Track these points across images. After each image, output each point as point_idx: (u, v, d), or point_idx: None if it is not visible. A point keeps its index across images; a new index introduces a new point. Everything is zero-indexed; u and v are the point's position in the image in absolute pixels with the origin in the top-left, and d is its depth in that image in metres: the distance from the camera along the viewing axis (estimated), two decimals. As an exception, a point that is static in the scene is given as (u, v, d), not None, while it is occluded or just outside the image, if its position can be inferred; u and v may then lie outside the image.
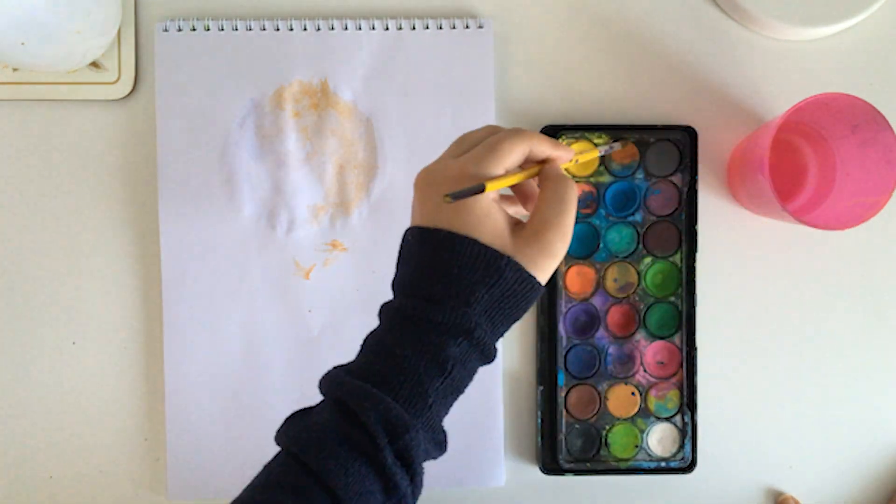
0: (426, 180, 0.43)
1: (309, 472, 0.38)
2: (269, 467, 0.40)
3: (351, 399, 0.39)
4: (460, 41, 0.58)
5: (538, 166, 0.45)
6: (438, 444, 0.42)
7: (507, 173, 0.43)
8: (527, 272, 0.41)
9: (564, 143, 0.58)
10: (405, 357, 0.40)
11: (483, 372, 0.58)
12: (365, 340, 0.42)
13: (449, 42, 0.58)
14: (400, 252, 0.44)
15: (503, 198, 0.46)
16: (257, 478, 0.40)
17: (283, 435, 0.40)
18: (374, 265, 0.58)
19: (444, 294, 0.40)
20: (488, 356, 0.42)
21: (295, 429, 0.40)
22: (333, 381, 0.40)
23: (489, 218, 0.41)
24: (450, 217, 0.41)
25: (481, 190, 0.40)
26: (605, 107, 0.59)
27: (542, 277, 0.42)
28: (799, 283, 0.60)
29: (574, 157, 0.46)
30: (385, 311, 0.42)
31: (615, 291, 0.59)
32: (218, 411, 0.58)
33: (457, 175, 0.42)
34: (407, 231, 0.43)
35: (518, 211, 0.48)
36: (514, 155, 0.42)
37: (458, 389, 0.42)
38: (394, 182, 0.58)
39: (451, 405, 0.42)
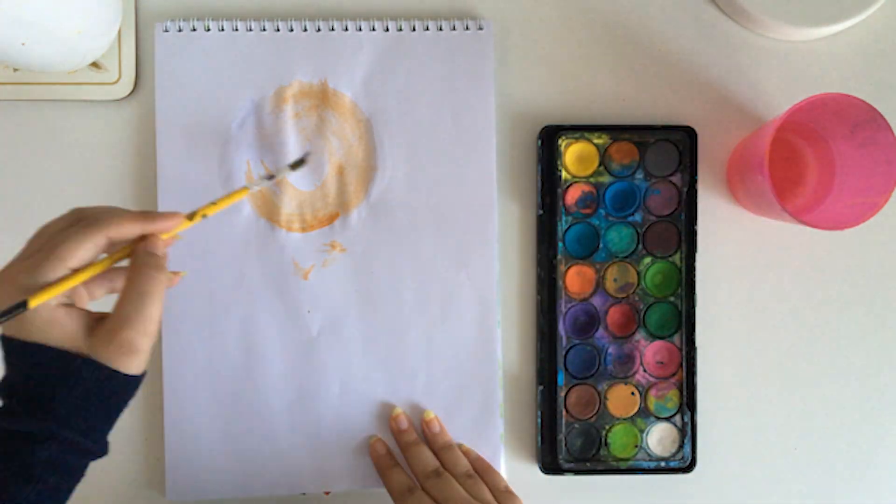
0: None
1: None
2: None
3: None
4: (460, 42, 0.58)
5: (124, 250, 0.42)
6: None
7: (74, 273, 0.40)
8: (109, 369, 0.40)
9: (564, 142, 0.58)
10: None
11: (482, 372, 0.58)
12: None
13: (449, 43, 0.58)
14: None
15: (103, 276, 0.44)
16: None
17: None
18: (373, 266, 0.58)
19: (23, 400, 0.40)
20: (94, 452, 0.42)
21: None
22: None
23: (53, 325, 0.40)
24: (18, 325, 0.40)
25: (22, 308, 0.38)
26: (605, 107, 0.59)
27: (132, 369, 0.41)
28: (798, 282, 0.60)
29: (183, 221, 0.44)
30: None
31: (615, 291, 0.59)
32: (217, 411, 0.58)
33: (7, 285, 0.39)
34: None
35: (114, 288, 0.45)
36: (80, 252, 0.40)
37: (60, 490, 0.41)
38: (393, 183, 0.58)
39: None
